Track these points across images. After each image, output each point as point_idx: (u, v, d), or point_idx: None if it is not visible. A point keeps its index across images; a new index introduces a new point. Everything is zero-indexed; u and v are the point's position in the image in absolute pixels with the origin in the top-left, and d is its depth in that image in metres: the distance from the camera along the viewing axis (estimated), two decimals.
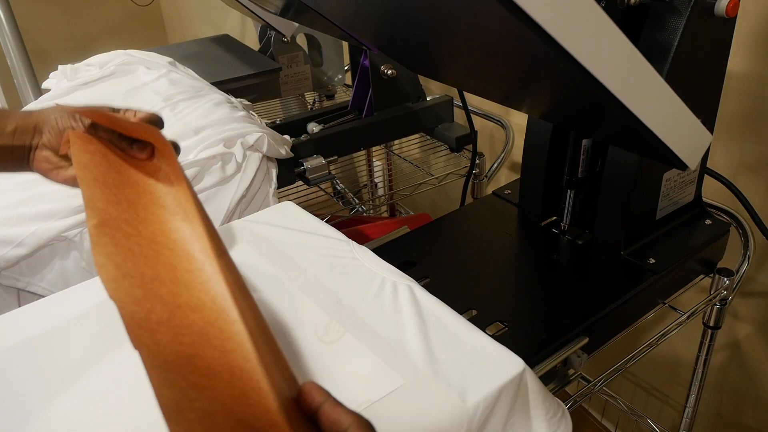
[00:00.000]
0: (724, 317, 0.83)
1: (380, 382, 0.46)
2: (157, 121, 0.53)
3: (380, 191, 1.60)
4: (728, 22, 0.62)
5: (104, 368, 0.49)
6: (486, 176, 1.15)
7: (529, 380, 0.49)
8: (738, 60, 0.83)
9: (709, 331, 0.84)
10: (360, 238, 0.69)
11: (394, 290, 0.57)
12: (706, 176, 0.79)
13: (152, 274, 0.38)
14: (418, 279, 0.62)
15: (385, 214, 1.64)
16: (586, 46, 0.42)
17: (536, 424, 0.50)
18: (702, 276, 0.78)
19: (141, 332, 0.33)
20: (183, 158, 0.78)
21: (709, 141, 0.61)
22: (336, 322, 0.53)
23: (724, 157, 0.90)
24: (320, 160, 0.99)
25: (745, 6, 0.69)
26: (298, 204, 0.73)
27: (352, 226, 1.12)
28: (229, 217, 0.81)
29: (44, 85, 1.07)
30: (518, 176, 0.86)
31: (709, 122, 0.69)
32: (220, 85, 1.09)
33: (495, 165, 1.15)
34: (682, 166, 0.59)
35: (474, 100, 1.17)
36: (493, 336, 0.52)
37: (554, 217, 0.82)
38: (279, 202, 0.86)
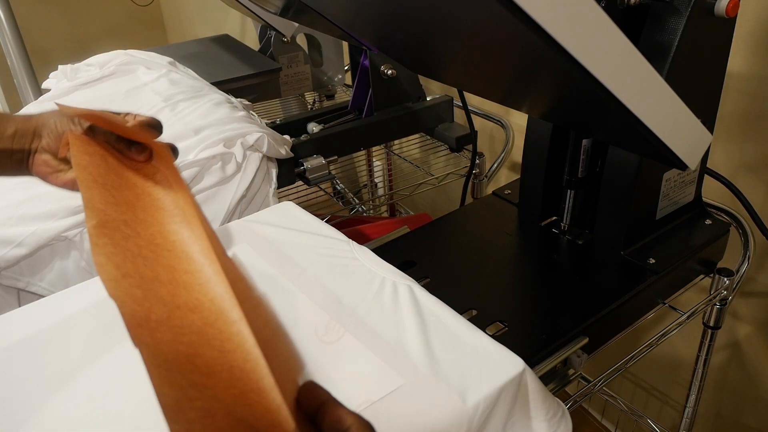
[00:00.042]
0: (724, 317, 0.83)
1: (380, 382, 0.46)
2: (156, 125, 0.53)
3: (380, 191, 1.60)
4: (728, 22, 0.62)
5: (104, 368, 0.49)
6: (486, 176, 1.15)
7: (529, 380, 0.49)
8: (738, 60, 0.83)
9: (709, 331, 0.84)
10: (360, 238, 0.69)
11: (394, 290, 0.57)
12: (706, 176, 0.79)
13: (151, 275, 0.38)
14: (418, 279, 0.62)
15: (385, 214, 1.64)
16: (586, 46, 0.42)
17: (536, 424, 0.50)
18: (702, 276, 0.78)
19: (141, 331, 0.33)
20: (183, 158, 0.78)
21: (709, 141, 0.61)
22: (336, 322, 0.53)
23: (724, 157, 0.90)
24: (320, 160, 0.99)
25: (745, 6, 0.69)
26: (298, 204, 0.73)
27: (352, 226, 1.12)
28: (229, 217, 0.81)
29: (44, 85, 1.07)
30: (518, 176, 0.86)
31: (709, 122, 0.69)
32: (220, 85, 1.09)
33: (495, 165, 1.15)
34: (682, 166, 0.59)
35: (474, 100, 1.17)
36: (493, 336, 0.52)
37: (554, 217, 0.82)
38: (279, 202, 0.86)
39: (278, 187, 0.90)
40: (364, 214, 1.45)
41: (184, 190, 0.46)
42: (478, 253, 0.76)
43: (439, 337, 0.51)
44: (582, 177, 0.74)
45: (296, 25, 1.20)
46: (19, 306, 0.64)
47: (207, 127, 0.84)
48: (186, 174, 0.78)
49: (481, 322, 0.62)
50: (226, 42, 1.40)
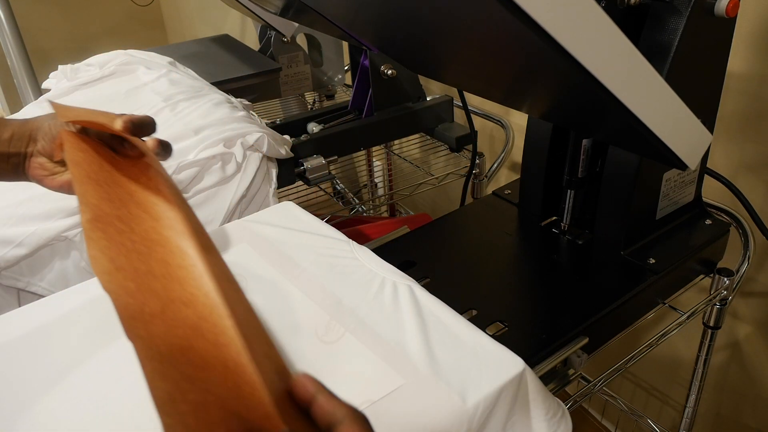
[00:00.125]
0: (724, 317, 0.83)
1: (380, 382, 0.46)
2: (150, 123, 0.54)
3: (380, 191, 1.60)
4: (728, 22, 0.62)
5: (104, 367, 0.49)
6: (486, 176, 1.15)
7: (529, 380, 0.49)
8: (738, 60, 0.83)
9: (709, 331, 0.84)
10: (360, 238, 0.69)
11: (394, 290, 0.57)
12: (706, 176, 0.79)
13: (145, 269, 0.38)
14: (418, 279, 0.62)
15: (385, 214, 1.64)
16: (586, 46, 0.42)
17: (536, 424, 0.50)
18: (702, 276, 0.78)
19: (135, 323, 0.33)
20: (183, 158, 0.79)
21: (709, 141, 0.61)
22: (336, 322, 0.53)
23: (724, 157, 0.90)
24: (320, 160, 0.99)
25: (745, 6, 0.69)
26: (298, 204, 0.73)
27: (352, 226, 1.12)
28: (229, 217, 0.81)
29: (44, 85, 1.07)
30: (518, 176, 0.86)
31: (709, 122, 0.69)
32: (220, 85, 1.09)
33: (495, 165, 1.15)
34: (682, 166, 0.59)
35: (474, 100, 1.17)
36: (493, 336, 0.52)
37: (554, 217, 0.82)
38: (279, 202, 0.86)
39: (278, 187, 0.90)
40: (364, 214, 1.45)
41: (173, 185, 0.47)
42: (478, 253, 0.76)
43: (439, 337, 0.51)
44: (582, 177, 0.74)
45: (296, 25, 1.20)
46: (19, 306, 0.64)
47: (207, 127, 0.84)
48: (186, 174, 0.78)
49: (481, 322, 0.62)
50: (226, 42, 1.40)
